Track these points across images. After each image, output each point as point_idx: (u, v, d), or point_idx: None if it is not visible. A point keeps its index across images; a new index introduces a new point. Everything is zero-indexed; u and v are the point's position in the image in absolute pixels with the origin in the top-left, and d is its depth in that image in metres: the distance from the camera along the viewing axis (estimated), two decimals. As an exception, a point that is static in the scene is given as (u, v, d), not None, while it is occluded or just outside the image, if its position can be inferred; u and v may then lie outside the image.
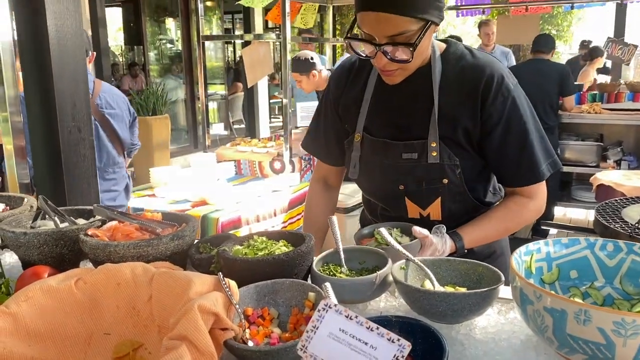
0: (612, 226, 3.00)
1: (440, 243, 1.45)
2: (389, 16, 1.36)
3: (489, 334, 1.17)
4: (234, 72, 11.79)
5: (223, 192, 3.86)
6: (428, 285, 1.28)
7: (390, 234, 1.44)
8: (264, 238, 1.43)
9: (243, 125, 10.46)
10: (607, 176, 4.58)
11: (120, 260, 1.36)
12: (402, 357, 0.87)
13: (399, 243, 1.40)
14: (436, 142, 1.54)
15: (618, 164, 6.07)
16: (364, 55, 1.50)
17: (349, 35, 1.50)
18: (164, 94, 7.08)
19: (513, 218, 1.61)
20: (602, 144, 6.15)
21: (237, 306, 1.15)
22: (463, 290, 1.26)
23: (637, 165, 6.01)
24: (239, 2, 4.80)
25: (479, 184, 1.66)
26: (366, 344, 0.88)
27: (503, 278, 1.20)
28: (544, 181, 1.60)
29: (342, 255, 1.39)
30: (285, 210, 4.13)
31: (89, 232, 1.43)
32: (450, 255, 1.49)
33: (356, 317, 0.89)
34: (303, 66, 4.62)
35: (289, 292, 1.23)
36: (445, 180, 1.57)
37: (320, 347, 0.90)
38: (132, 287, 1.23)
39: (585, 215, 6.34)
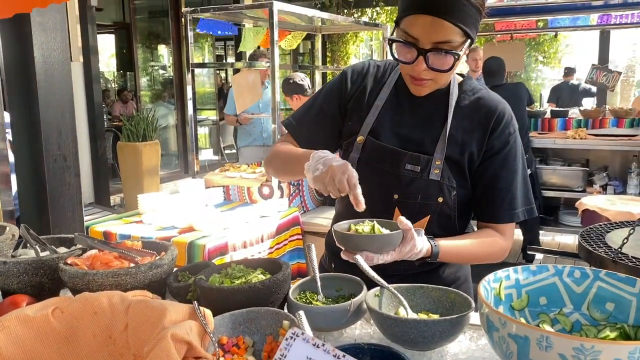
0: (596, 251, 3.04)
1: (420, 241, 1.44)
2: (442, 22, 1.41)
3: (460, 359, 1.19)
4: (225, 98, 11.88)
5: (210, 218, 3.86)
6: (402, 312, 1.30)
7: (372, 227, 1.43)
8: (242, 266, 1.45)
9: (234, 150, 10.52)
10: (592, 201, 4.64)
11: (98, 289, 1.38)
12: (368, 384, 0.89)
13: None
14: (441, 160, 1.59)
15: (604, 189, 6.14)
16: (403, 59, 1.52)
17: (391, 38, 1.53)
18: (155, 119, 7.13)
19: (484, 247, 1.65)
20: (587, 169, 6.22)
21: (212, 335, 1.17)
22: (436, 317, 1.28)
23: (623, 190, 6.07)
24: (239, 49, 4.89)
25: (463, 217, 1.70)
26: (333, 371, 0.90)
27: (474, 305, 1.23)
28: (513, 225, 1.68)
29: (319, 283, 1.41)
30: (272, 236, 4.14)
31: (69, 261, 1.45)
32: (421, 259, 1.50)
33: (323, 345, 0.91)
34: (290, 88, 4.71)
35: (264, 321, 1.25)
36: (441, 199, 1.60)
37: (288, 375, 0.92)
38: (109, 316, 1.25)
39: (573, 240, 6.38)
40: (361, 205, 1.37)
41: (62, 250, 1.65)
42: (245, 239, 3.86)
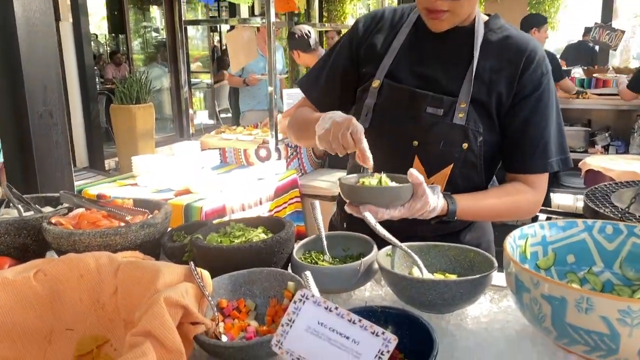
0: (602, 211, 2.95)
1: (433, 199, 1.30)
2: None
3: (482, 323, 1.09)
4: (220, 60, 11.63)
5: (207, 180, 3.75)
6: (416, 272, 1.20)
7: (380, 180, 1.31)
8: (242, 225, 1.34)
9: (230, 115, 10.32)
10: (596, 161, 4.53)
11: (85, 250, 1.27)
12: (388, 352, 0.79)
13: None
14: (466, 103, 1.44)
15: (606, 149, 6.04)
16: None
17: None
18: (148, 81, 6.94)
19: (511, 203, 1.51)
20: (589, 129, 6.11)
21: (210, 298, 1.06)
22: (452, 277, 1.17)
23: (625, 150, 5.97)
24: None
25: (489, 168, 1.56)
26: (347, 338, 0.80)
27: (496, 264, 1.12)
28: (547, 176, 1.52)
29: (325, 242, 1.30)
30: (271, 199, 4.03)
31: (53, 221, 1.33)
32: (437, 217, 1.38)
33: (336, 308, 0.80)
34: (292, 43, 4.53)
35: (267, 282, 1.14)
36: (466, 145, 1.45)
37: (297, 342, 0.81)
38: (96, 279, 1.14)
39: (572, 201, 6.30)
40: (368, 162, 1.26)
41: (47, 210, 1.54)
42: (243, 201, 3.76)
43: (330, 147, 1.31)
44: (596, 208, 2.98)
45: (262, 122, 5.30)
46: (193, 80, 10.56)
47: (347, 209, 1.30)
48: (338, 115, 1.33)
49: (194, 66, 11.67)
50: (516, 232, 1.10)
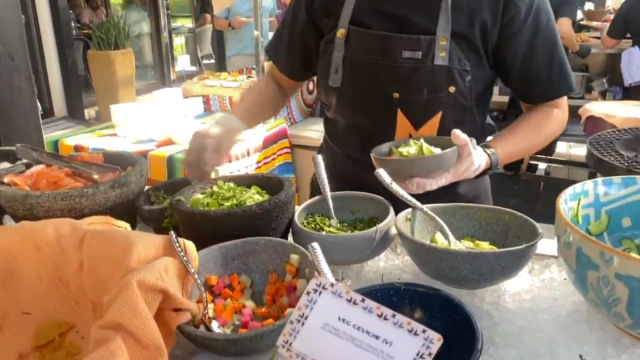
0: (607, 159, 2.79)
1: (477, 156, 1.17)
2: None
3: (524, 302, 0.91)
4: (202, 3, 11.15)
5: (191, 130, 3.51)
6: (440, 239, 1.01)
7: (419, 148, 1.16)
8: (231, 184, 1.14)
9: (213, 60, 9.94)
10: (597, 107, 4.34)
11: (45, 216, 1.06)
12: (430, 355, 0.60)
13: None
14: (447, 39, 1.24)
15: (603, 96, 5.85)
16: None
17: None
18: (126, 26, 6.57)
19: (541, 130, 1.36)
20: (587, 74, 5.90)
21: (196, 275, 0.87)
22: (485, 245, 0.99)
23: (622, 96, 5.78)
24: None
25: (482, 105, 1.39)
26: (377, 337, 0.61)
27: (540, 230, 0.93)
28: (566, 98, 1.40)
29: (331, 205, 1.10)
30: (259, 150, 3.82)
31: (5, 180, 1.12)
32: (482, 173, 1.25)
33: (362, 300, 0.61)
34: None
35: (265, 254, 0.95)
36: (453, 89, 1.27)
37: (310, 343, 0.62)
38: (57, 252, 0.94)
39: (565, 148, 6.14)
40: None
41: (3, 165, 1.32)
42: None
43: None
44: (601, 156, 2.82)
45: (248, 68, 5.03)
46: (173, 24, 10.11)
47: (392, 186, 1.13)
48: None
49: (174, 10, 11.18)
50: (568, 191, 0.91)
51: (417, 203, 1.03)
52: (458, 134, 1.11)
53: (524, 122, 1.37)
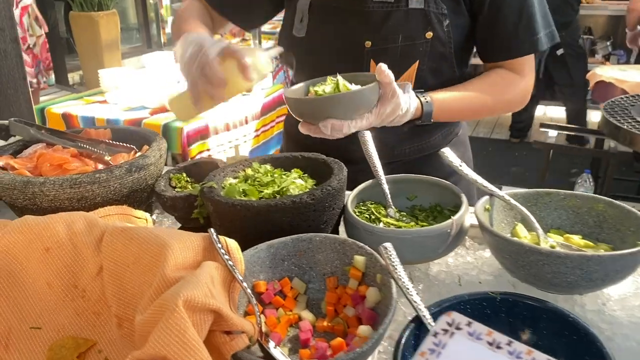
0: (624, 127, 2.65)
1: (405, 99, 1.03)
2: None
3: (636, 309, 0.77)
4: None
5: (186, 96, 3.32)
6: (522, 232, 0.86)
7: (336, 85, 1.01)
8: (268, 167, 0.97)
9: (200, 23, 9.59)
10: (607, 72, 4.19)
11: (50, 206, 0.89)
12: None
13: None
14: None
15: (607, 59, 5.70)
16: None
17: None
18: (110, -14, 6.25)
19: (494, 93, 1.21)
20: (591, 37, 5.74)
21: (244, 282, 0.71)
22: (577, 240, 0.84)
23: (627, 59, 5.64)
24: None
25: (461, 56, 1.25)
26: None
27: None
28: (533, 59, 1.24)
29: (388, 192, 0.94)
30: (257, 117, 3.63)
31: (1, 163, 0.94)
32: (410, 123, 1.09)
33: (509, 343, 0.46)
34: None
35: (320, 254, 0.79)
36: (430, 34, 1.15)
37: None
38: (70, 254, 0.77)
39: (563, 114, 6.00)
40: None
41: (-5, 143, 1.14)
42: (227, 120, 3.36)
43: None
44: (618, 124, 2.69)
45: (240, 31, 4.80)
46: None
47: (301, 129, 1.02)
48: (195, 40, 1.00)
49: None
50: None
51: (496, 190, 0.88)
52: (383, 68, 0.96)
53: (476, 80, 1.22)
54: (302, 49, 1.25)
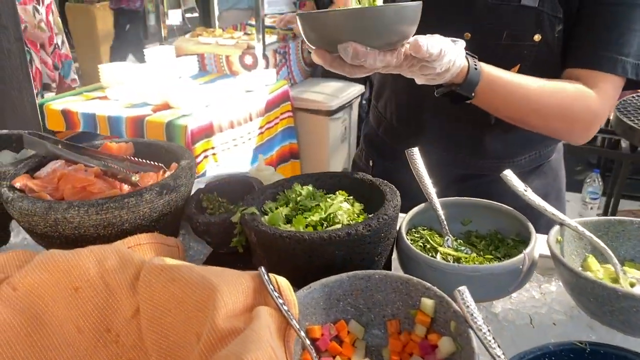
0: (639, 127, 2.60)
1: (450, 48, 0.86)
2: None
3: None
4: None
5: (189, 93, 3.22)
6: (594, 265, 0.78)
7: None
8: (310, 188, 0.89)
9: (196, 14, 9.46)
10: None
11: (74, 234, 0.81)
12: None
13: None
14: None
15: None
16: None
17: None
18: (106, -24, 6.13)
19: (561, 99, 1.03)
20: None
21: (299, 328, 0.63)
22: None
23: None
24: None
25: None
26: None
27: None
28: (617, 83, 1.05)
29: (444, 219, 0.86)
30: (262, 114, 3.55)
31: (17, 184, 0.85)
32: (451, 86, 0.94)
33: None
34: None
35: (380, 294, 0.71)
36: (538, 37, 1.04)
37: None
38: (102, 294, 0.69)
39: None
40: None
41: (4, 156, 1.05)
42: (231, 117, 3.28)
43: None
44: (632, 124, 2.63)
45: (242, 24, 4.71)
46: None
47: (315, 56, 0.84)
48: None
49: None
50: None
51: (565, 218, 0.80)
52: None
53: (546, 80, 1.05)
54: None
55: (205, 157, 3.08)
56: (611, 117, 2.87)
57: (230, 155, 3.26)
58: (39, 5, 4.05)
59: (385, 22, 0.76)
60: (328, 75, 4.38)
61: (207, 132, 3.12)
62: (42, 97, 4.02)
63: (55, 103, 3.11)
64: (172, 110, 3.15)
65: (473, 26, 1.06)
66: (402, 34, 0.79)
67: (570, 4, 1.03)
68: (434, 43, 0.81)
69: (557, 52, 1.06)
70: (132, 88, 3.30)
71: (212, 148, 3.14)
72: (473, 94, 0.94)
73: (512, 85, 0.99)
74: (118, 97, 3.29)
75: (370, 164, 1.34)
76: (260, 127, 3.60)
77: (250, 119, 3.50)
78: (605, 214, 3.45)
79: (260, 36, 3.90)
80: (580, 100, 1.03)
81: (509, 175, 0.84)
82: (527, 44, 1.05)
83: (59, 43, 4.33)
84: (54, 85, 4.26)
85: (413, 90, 1.08)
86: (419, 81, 0.91)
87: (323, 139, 3.90)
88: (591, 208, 3.75)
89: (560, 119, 1.05)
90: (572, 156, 4.35)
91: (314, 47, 0.83)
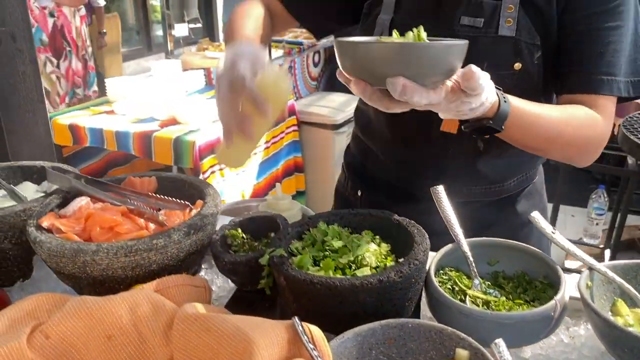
0: (646, 144, 2.59)
1: (489, 86, 0.85)
2: None
3: None
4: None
5: (196, 108, 3.22)
6: (623, 309, 0.78)
7: (417, 35, 0.82)
8: (336, 227, 0.89)
9: (200, 25, 9.48)
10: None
11: (102, 275, 0.81)
12: None
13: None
14: (515, 5, 1.03)
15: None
16: None
17: None
18: (111, -13, 6.14)
19: (576, 126, 1.03)
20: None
21: (334, 380, 0.63)
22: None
23: None
24: None
25: (549, 92, 1.14)
26: None
27: None
28: (612, 105, 1.07)
29: (472, 260, 0.86)
30: (268, 129, 3.55)
31: (44, 224, 0.85)
32: (481, 120, 0.92)
33: None
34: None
35: (413, 343, 0.71)
36: (518, 66, 1.04)
37: None
38: (135, 343, 0.69)
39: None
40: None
41: (26, 188, 1.05)
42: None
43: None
44: (639, 141, 2.63)
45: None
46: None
47: (353, 87, 0.81)
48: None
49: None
50: None
51: (594, 261, 0.80)
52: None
53: (558, 107, 1.06)
54: None
55: (212, 172, 3.09)
56: (617, 134, 2.87)
57: (235, 171, 3.26)
58: (77, 12, 4.13)
59: (438, 59, 0.75)
60: (331, 89, 4.39)
61: (214, 147, 3.12)
62: (73, 95, 4.09)
63: (63, 118, 3.11)
64: (180, 126, 3.15)
65: None
66: (451, 71, 0.78)
67: (548, 31, 1.04)
68: (481, 73, 0.81)
69: (537, 79, 1.07)
70: (138, 102, 3.30)
71: (219, 164, 3.14)
72: (502, 127, 0.93)
73: (534, 116, 0.99)
74: (125, 111, 3.28)
75: (359, 194, 1.34)
76: (267, 142, 3.60)
77: (257, 134, 3.49)
78: (611, 229, 3.45)
79: (267, 50, 3.90)
80: (592, 126, 1.04)
81: (537, 217, 0.84)
82: (508, 72, 1.05)
83: (89, 53, 4.38)
84: (78, 90, 4.29)
85: (403, 125, 1.13)
86: (445, 116, 0.90)
87: (328, 153, 3.90)
88: (597, 223, 3.75)
89: (576, 146, 1.07)
90: (577, 171, 4.36)
91: (351, 77, 0.81)
